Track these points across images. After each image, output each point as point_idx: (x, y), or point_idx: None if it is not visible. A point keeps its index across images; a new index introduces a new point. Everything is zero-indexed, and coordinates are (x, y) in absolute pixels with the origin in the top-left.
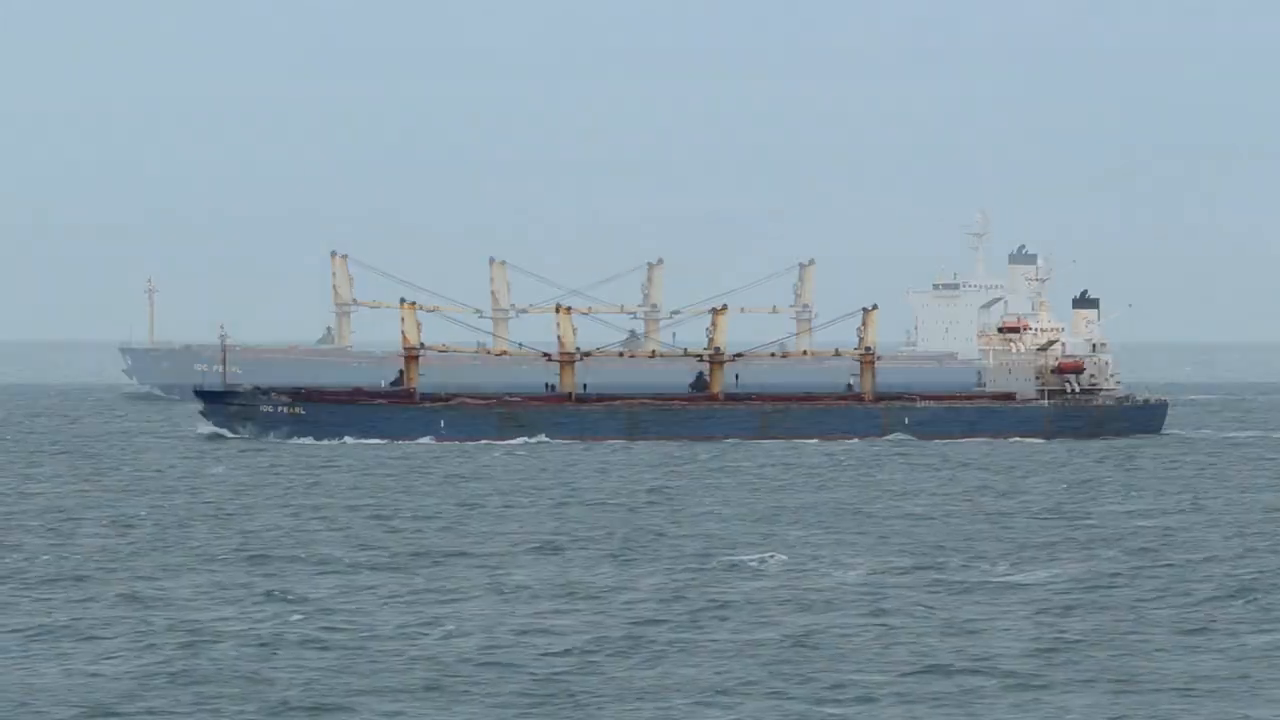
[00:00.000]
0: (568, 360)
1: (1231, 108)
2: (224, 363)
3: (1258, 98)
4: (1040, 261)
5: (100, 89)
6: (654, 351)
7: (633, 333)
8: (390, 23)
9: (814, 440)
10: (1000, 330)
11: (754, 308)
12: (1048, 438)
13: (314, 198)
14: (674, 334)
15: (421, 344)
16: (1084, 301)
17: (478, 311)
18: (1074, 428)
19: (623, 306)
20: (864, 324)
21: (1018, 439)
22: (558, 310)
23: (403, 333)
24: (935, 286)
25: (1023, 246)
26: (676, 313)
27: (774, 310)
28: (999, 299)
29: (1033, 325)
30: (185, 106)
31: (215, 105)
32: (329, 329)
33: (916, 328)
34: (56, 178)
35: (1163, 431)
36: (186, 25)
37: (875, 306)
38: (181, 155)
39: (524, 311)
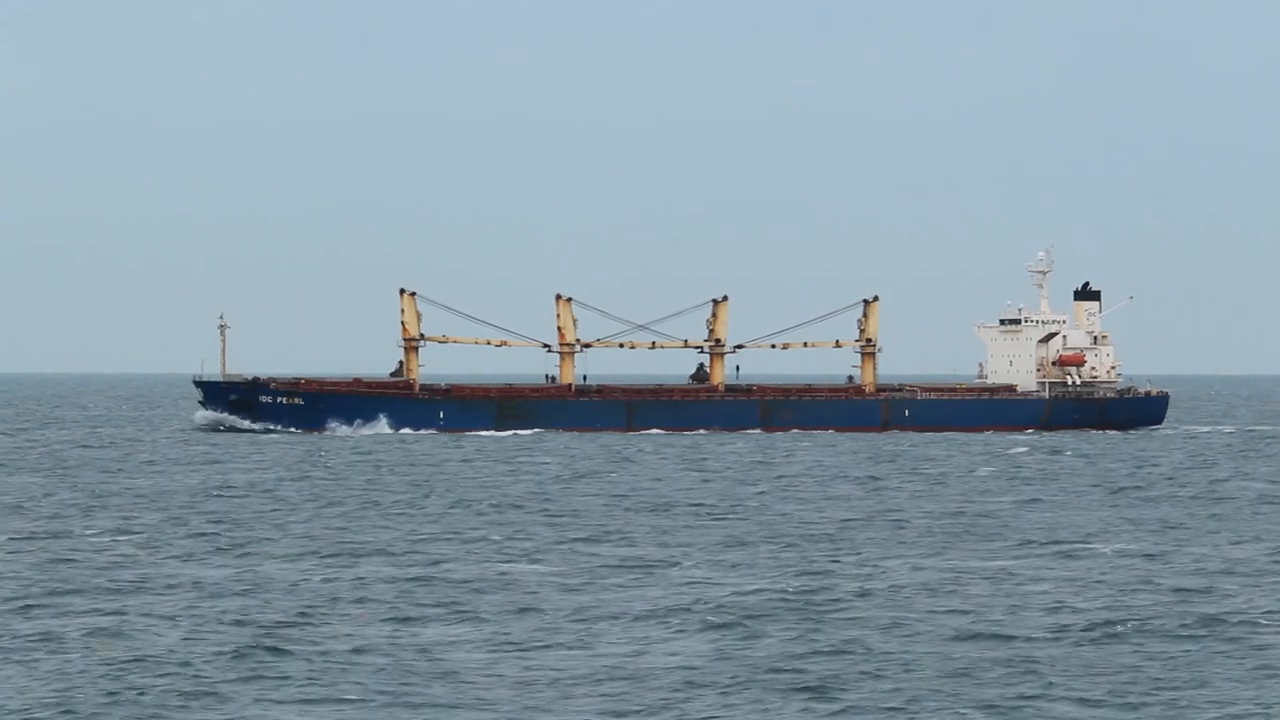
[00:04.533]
0: (567, 351)
1: None
2: (223, 351)
3: None
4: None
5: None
6: (654, 343)
7: (701, 366)
8: (459, 62)
9: (813, 432)
10: (1056, 364)
11: (818, 342)
12: (1047, 429)
13: (382, 237)
14: (737, 367)
15: (421, 334)
16: (1085, 294)
17: (546, 346)
18: (1074, 420)
19: (686, 341)
20: (865, 316)
21: (1017, 430)
22: (557, 300)
23: (402, 323)
24: (1001, 322)
25: (1087, 283)
26: (740, 347)
27: (837, 345)
28: (1056, 333)
29: (1090, 360)
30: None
31: (285, 140)
32: (400, 363)
33: (987, 360)
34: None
35: (1163, 424)
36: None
37: (876, 298)
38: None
39: (589, 346)
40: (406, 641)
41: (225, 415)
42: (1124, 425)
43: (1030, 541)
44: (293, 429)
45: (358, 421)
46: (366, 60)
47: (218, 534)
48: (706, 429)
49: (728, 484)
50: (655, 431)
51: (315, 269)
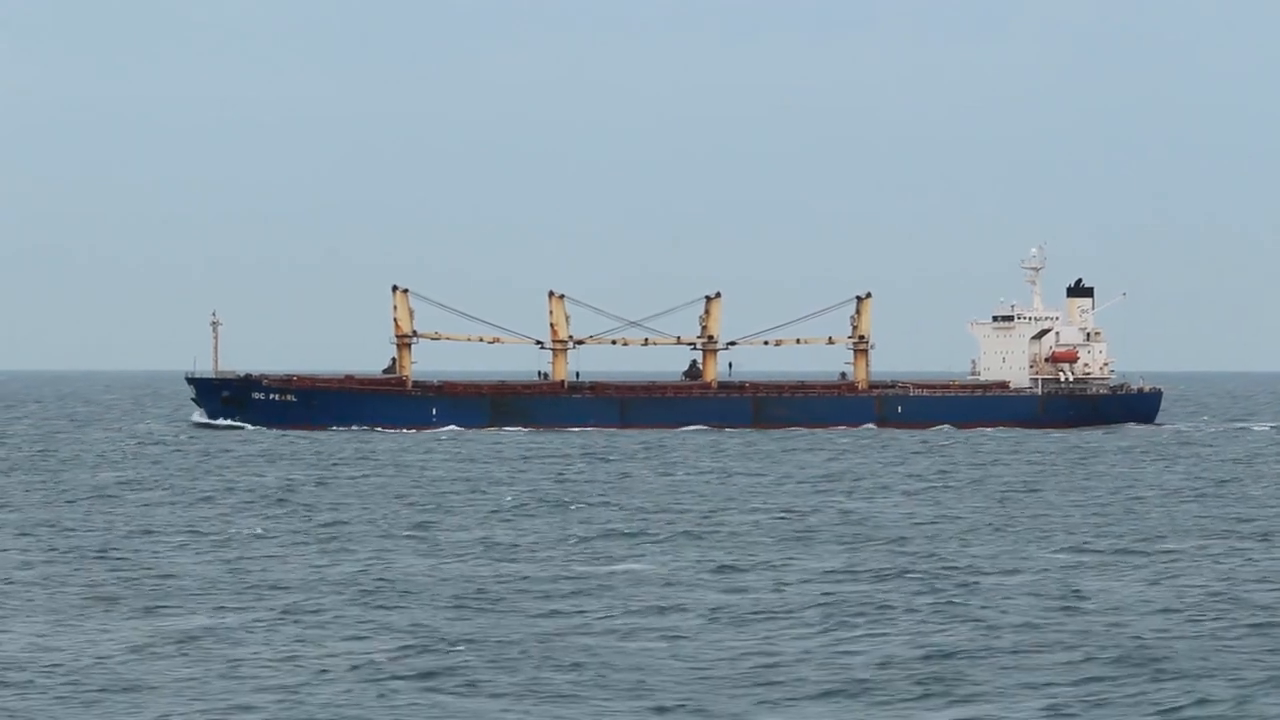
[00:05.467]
0: (560, 348)
1: None
2: (215, 349)
3: None
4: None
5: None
6: (646, 340)
7: (694, 363)
8: (450, 63)
9: (806, 429)
10: (1049, 360)
11: (810, 338)
12: (1040, 426)
13: (382, 237)
14: (730, 364)
15: (414, 331)
16: (1078, 290)
17: (539, 343)
18: (1067, 416)
19: (679, 338)
20: (858, 312)
21: (1011, 426)
22: (550, 297)
23: (395, 320)
24: (994, 319)
25: (1080, 280)
26: (733, 343)
27: (830, 341)
28: (1049, 330)
29: (1082, 356)
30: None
31: (278, 139)
32: (393, 360)
33: (980, 357)
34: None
35: (1156, 421)
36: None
37: (869, 295)
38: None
39: (581, 343)
40: (555, 634)
41: (216, 413)
42: (1117, 422)
43: (1129, 538)
44: (285, 426)
45: (350, 419)
46: (366, 60)
47: (320, 529)
48: (699, 425)
49: (802, 484)
50: (695, 428)
51: (314, 269)
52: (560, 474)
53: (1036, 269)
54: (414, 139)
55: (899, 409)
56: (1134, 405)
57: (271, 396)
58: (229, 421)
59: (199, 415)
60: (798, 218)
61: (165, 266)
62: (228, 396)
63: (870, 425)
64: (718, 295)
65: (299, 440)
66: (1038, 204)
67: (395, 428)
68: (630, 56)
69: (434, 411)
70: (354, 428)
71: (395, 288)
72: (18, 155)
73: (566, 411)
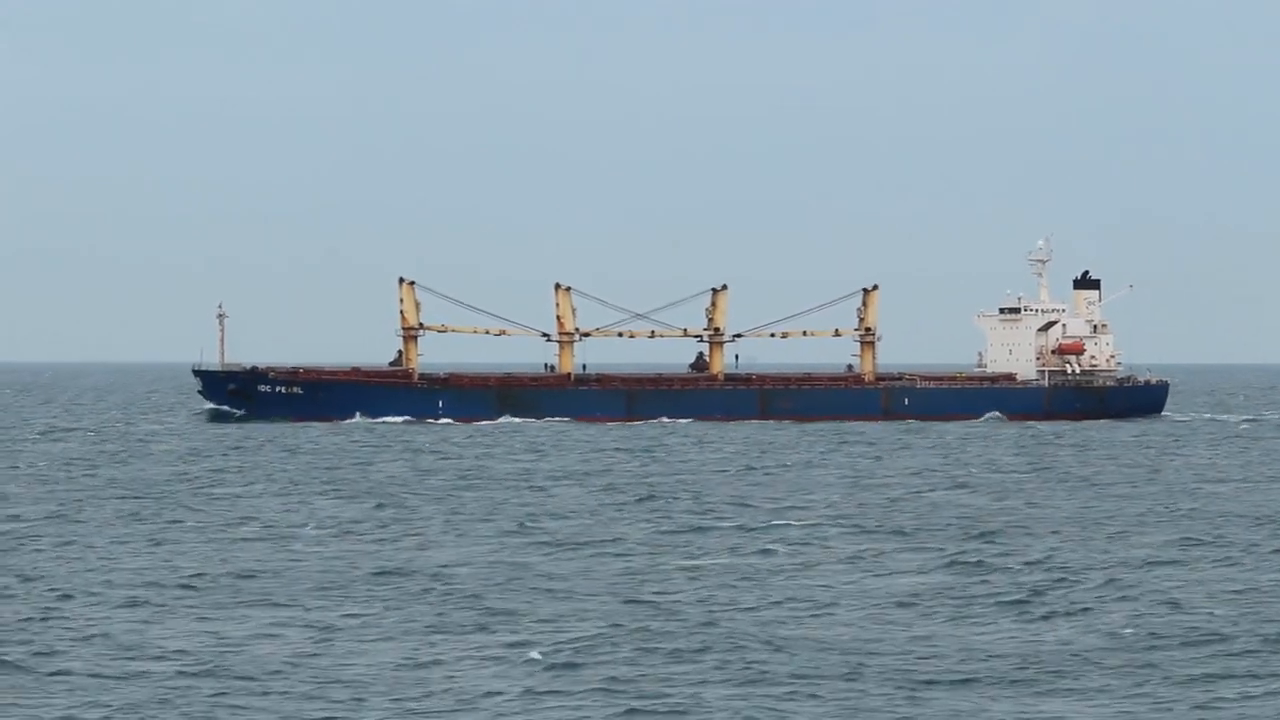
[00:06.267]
0: (566, 340)
1: None
2: (222, 341)
3: None
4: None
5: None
6: (653, 332)
7: (701, 355)
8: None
9: (813, 421)
10: (1056, 352)
11: (817, 331)
12: (1047, 418)
13: (382, 237)
14: (736, 356)
15: (420, 324)
16: (1085, 282)
17: (545, 335)
18: (1073, 408)
19: (686, 330)
20: (864, 304)
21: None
22: (556, 289)
23: (401, 312)
24: (1001, 311)
25: (1086, 272)
26: (739, 336)
27: (837, 334)
28: (1055, 322)
29: (1089, 348)
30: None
31: (286, 134)
32: (399, 352)
33: (987, 349)
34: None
35: (1163, 413)
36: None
37: (876, 287)
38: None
39: (588, 335)
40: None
41: (222, 404)
42: (1124, 414)
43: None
44: (292, 418)
45: (357, 411)
46: (367, 60)
47: (406, 522)
48: (706, 418)
49: (869, 477)
50: (743, 421)
51: (315, 269)
52: (625, 466)
53: (1043, 261)
54: (414, 139)
55: (906, 401)
56: (1141, 397)
57: (278, 389)
58: (241, 413)
59: (208, 406)
60: (800, 216)
61: (166, 266)
62: (234, 389)
63: (879, 419)
64: (724, 287)
65: (351, 433)
66: (1039, 202)
67: (402, 419)
68: (631, 56)
69: (440, 404)
70: (360, 420)
71: (402, 280)
72: (18, 155)
73: (573, 404)
